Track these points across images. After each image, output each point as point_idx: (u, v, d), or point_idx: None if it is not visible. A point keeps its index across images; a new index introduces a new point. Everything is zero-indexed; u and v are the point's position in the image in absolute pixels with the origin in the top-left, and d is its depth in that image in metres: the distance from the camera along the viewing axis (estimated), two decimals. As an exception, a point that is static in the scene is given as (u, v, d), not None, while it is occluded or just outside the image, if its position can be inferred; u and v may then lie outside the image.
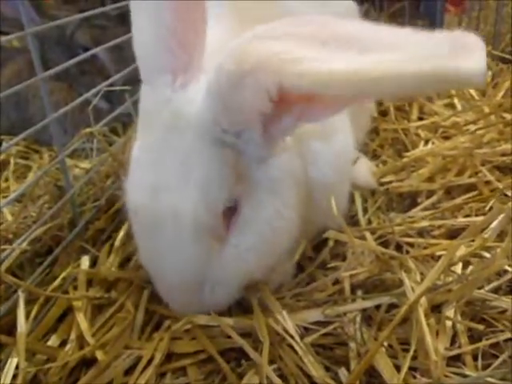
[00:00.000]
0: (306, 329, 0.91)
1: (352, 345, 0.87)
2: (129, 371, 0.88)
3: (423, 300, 0.89)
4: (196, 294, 0.89)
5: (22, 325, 0.91)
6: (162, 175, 0.83)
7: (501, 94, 1.93)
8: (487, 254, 1.03)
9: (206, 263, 0.86)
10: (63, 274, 1.06)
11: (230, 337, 0.89)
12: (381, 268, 1.02)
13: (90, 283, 1.08)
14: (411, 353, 0.82)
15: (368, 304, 0.94)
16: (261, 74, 0.70)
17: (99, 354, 0.90)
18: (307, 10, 1.18)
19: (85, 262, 1.11)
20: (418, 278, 0.97)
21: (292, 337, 0.86)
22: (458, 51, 0.67)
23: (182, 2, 0.79)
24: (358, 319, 0.90)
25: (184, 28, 0.80)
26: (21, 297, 0.95)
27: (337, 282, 1.03)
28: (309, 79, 0.67)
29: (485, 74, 0.66)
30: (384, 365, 0.82)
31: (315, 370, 0.82)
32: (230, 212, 0.85)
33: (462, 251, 1.02)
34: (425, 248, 1.10)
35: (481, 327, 0.88)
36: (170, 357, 0.90)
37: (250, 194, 0.85)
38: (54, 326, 0.99)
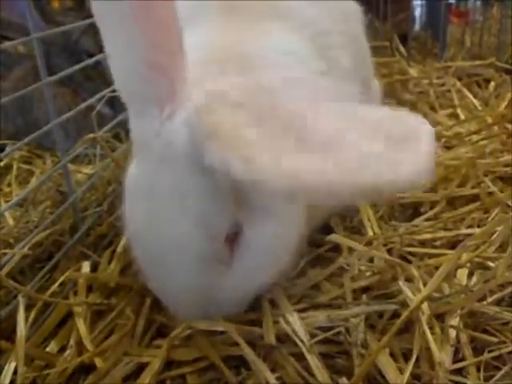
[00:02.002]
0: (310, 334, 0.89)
1: (355, 351, 0.86)
2: (128, 378, 0.88)
3: (425, 308, 0.89)
4: (204, 310, 0.89)
5: (21, 329, 0.91)
6: (159, 210, 0.81)
7: (504, 104, 1.94)
8: (491, 264, 1.03)
9: (213, 286, 0.86)
10: (63, 278, 1.05)
11: (231, 343, 0.88)
12: (384, 275, 1.02)
13: (90, 289, 1.07)
14: (413, 359, 0.82)
15: (371, 309, 0.94)
16: (213, 145, 0.68)
17: (98, 361, 0.89)
18: (311, 11, 1.16)
19: (85, 267, 1.10)
20: (421, 285, 0.96)
21: (302, 341, 0.85)
22: (404, 150, 0.62)
23: (152, 31, 0.74)
24: (362, 325, 0.90)
25: (161, 57, 0.76)
26: (21, 302, 0.94)
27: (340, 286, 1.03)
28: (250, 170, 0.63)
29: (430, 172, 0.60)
30: (387, 366, 0.82)
31: (323, 378, 0.81)
32: (233, 235, 0.84)
33: (462, 260, 1.01)
34: (429, 258, 1.10)
35: (486, 337, 0.88)
36: (169, 364, 0.90)
37: (250, 217, 0.84)
38: (54, 332, 0.99)
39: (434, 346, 0.84)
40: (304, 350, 0.84)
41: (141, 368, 0.89)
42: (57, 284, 1.04)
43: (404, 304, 0.92)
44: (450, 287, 0.97)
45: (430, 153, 0.61)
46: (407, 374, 0.80)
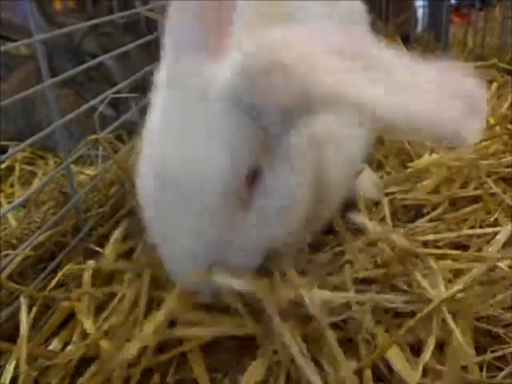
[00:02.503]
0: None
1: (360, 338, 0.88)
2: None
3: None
4: (217, 262, 0.87)
5: (24, 329, 0.91)
6: (187, 143, 0.83)
7: (506, 105, 1.93)
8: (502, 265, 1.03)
9: (232, 229, 0.85)
10: (64, 270, 1.07)
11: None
12: (393, 267, 1.03)
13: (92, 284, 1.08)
14: (429, 351, 0.83)
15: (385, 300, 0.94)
16: (290, 72, 0.71)
17: (103, 343, 0.90)
18: (319, 8, 1.18)
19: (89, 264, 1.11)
20: (441, 283, 0.97)
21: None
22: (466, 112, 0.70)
23: None
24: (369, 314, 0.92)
25: (220, 9, 0.83)
26: (23, 302, 0.95)
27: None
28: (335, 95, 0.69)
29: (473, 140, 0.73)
30: (397, 358, 0.83)
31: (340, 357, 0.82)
32: (252, 178, 0.85)
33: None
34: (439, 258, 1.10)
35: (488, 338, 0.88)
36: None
37: (271, 164, 0.86)
38: (56, 331, 0.99)
39: (461, 339, 0.84)
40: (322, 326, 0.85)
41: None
42: (58, 276, 1.05)
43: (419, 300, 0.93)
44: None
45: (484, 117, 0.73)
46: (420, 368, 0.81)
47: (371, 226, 1.07)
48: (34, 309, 0.99)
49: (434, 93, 0.72)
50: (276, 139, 0.86)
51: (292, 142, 0.89)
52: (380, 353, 0.84)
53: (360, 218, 1.11)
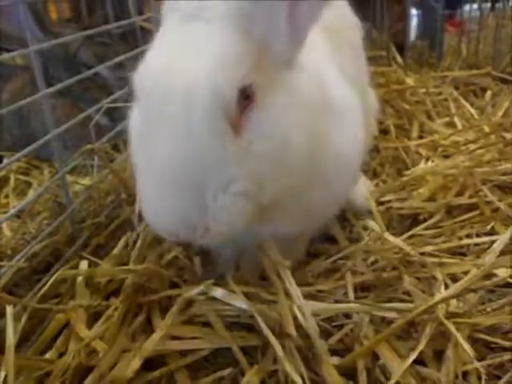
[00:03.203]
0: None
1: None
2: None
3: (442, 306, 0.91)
4: (196, 201, 0.77)
5: (10, 338, 0.90)
6: (177, 51, 0.81)
7: (500, 113, 1.94)
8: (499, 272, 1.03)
9: (217, 151, 0.77)
10: (56, 275, 1.05)
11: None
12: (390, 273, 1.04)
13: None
14: (417, 352, 0.84)
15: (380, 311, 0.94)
16: None
17: (99, 345, 0.90)
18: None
19: (83, 264, 1.11)
20: (443, 289, 0.98)
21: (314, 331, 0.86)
22: None
23: None
24: (367, 320, 0.92)
25: None
26: (8, 312, 0.94)
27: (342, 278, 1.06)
28: None
29: None
30: (387, 353, 0.84)
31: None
32: (245, 103, 0.80)
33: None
34: (423, 266, 1.10)
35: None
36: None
37: (268, 93, 0.82)
38: (51, 342, 0.98)
39: (463, 343, 0.85)
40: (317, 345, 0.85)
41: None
42: (51, 281, 1.04)
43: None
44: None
45: None
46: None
47: (370, 232, 1.09)
48: (24, 319, 0.98)
49: None
50: (277, 70, 0.84)
51: (299, 78, 0.87)
52: (370, 347, 0.84)
53: (369, 222, 1.12)
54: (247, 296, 0.91)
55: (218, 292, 0.90)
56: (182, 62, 0.79)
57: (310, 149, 0.89)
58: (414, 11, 3.11)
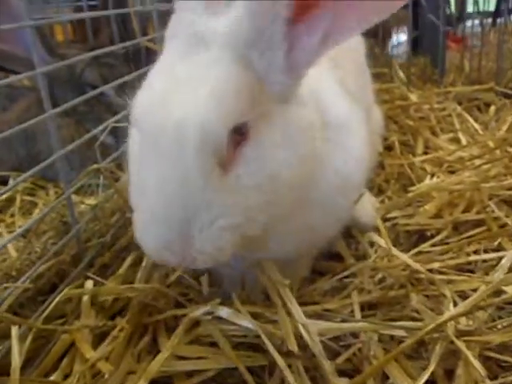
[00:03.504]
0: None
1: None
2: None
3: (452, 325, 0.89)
4: (183, 233, 0.78)
5: (16, 360, 0.89)
6: (173, 82, 0.80)
7: (504, 127, 1.94)
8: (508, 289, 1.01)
9: (204, 188, 0.77)
10: (61, 295, 1.04)
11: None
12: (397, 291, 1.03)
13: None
14: (428, 372, 0.83)
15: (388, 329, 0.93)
16: None
17: (104, 366, 0.89)
18: None
19: (89, 284, 1.11)
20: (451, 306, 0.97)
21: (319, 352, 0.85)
22: None
23: None
24: (375, 339, 0.91)
25: None
26: (13, 333, 0.93)
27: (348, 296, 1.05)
28: None
29: None
30: (397, 373, 0.83)
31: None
32: (237, 140, 0.80)
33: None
34: (431, 283, 1.09)
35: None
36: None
37: (261, 129, 0.82)
38: (57, 363, 0.97)
39: (474, 361, 0.83)
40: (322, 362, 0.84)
41: None
42: (56, 301, 1.03)
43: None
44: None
45: None
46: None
47: (376, 249, 1.08)
48: (29, 340, 0.96)
49: None
50: (274, 104, 0.83)
51: (294, 111, 0.86)
52: (379, 367, 0.83)
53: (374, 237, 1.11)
54: (253, 315, 0.91)
55: (224, 312, 0.89)
56: (177, 95, 0.79)
57: (305, 175, 0.89)
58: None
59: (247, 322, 0.89)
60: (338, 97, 1.06)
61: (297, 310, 0.90)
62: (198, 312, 0.92)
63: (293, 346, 0.85)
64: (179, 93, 0.79)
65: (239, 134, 0.80)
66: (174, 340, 0.90)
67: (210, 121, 0.76)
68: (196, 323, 0.94)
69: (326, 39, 0.82)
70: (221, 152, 0.78)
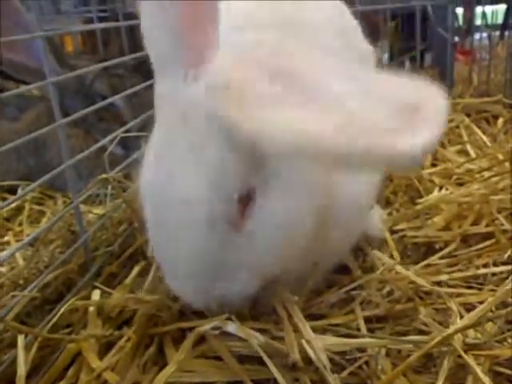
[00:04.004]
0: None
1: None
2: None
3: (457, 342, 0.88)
4: (209, 286, 0.85)
5: (21, 369, 0.89)
6: (174, 163, 0.81)
7: (513, 140, 1.94)
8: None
9: (221, 251, 0.82)
10: (67, 305, 1.05)
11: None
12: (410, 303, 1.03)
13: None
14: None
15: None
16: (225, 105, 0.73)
17: (110, 376, 0.89)
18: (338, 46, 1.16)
19: (95, 295, 1.11)
20: (458, 319, 0.96)
21: (324, 367, 0.85)
22: (409, 121, 0.62)
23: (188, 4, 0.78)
24: (383, 353, 0.90)
25: (194, 28, 0.80)
26: (19, 342, 0.93)
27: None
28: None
29: (420, 155, 0.60)
30: None
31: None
32: (246, 199, 0.81)
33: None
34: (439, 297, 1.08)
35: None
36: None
37: (266, 186, 0.82)
38: (63, 373, 0.97)
39: (482, 376, 0.82)
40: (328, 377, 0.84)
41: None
42: (62, 310, 1.03)
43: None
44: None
45: (436, 129, 0.60)
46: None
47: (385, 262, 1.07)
48: (34, 349, 0.97)
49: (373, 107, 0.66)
50: (271, 161, 0.82)
51: (289, 159, 0.84)
52: (387, 382, 0.82)
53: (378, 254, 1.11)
54: (259, 331, 0.90)
55: (232, 327, 0.89)
56: (178, 181, 0.81)
57: (315, 216, 0.89)
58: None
59: (253, 338, 0.88)
60: None
61: (304, 326, 0.90)
62: (205, 327, 0.92)
63: (297, 359, 0.85)
64: (179, 174, 0.80)
65: (247, 196, 0.82)
66: (180, 355, 0.90)
67: (214, 200, 0.79)
68: (203, 337, 0.94)
69: None
70: (231, 217, 0.81)
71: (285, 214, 0.84)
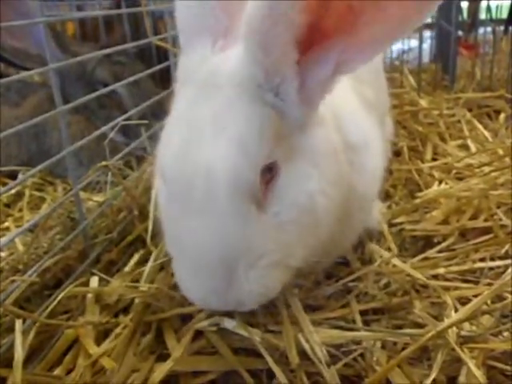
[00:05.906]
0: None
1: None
2: None
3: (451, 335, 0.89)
4: (228, 278, 0.78)
5: (19, 353, 0.90)
6: (195, 130, 0.79)
7: (514, 136, 1.93)
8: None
9: (243, 232, 0.77)
10: (65, 292, 1.05)
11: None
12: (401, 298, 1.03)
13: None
14: (430, 379, 0.83)
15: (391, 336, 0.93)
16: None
17: (107, 362, 0.89)
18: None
19: (94, 282, 1.11)
20: (453, 313, 0.97)
21: (320, 361, 0.85)
22: None
23: None
24: (378, 345, 0.91)
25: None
26: (17, 326, 0.94)
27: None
28: None
29: None
30: (400, 380, 0.83)
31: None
32: (268, 177, 0.80)
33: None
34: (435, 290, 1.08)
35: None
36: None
37: (289, 161, 0.81)
38: (61, 358, 0.98)
39: (474, 369, 0.83)
40: (324, 371, 0.84)
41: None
42: (60, 297, 1.04)
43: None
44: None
45: None
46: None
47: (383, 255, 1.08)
48: (32, 334, 0.97)
49: None
50: (296, 135, 0.82)
51: (316, 134, 0.85)
52: (382, 374, 0.83)
53: (375, 247, 1.11)
54: (257, 325, 0.91)
55: (230, 323, 0.89)
56: (200, 145, 0.78)
57: (339, 200, 0.88)
58: (427, 33, 3.13)
59: (251, 334, 0.89)
60: (357, 113, 1.05)
61: (304, 319, 0.91)
62: (203, 323, 0.93)
63: (294, 357, 0.85)
64: (202, 142, 0.78)
65: (269, 172, 0.80)
66: (178, 351, 0.91)
67: (239, 167, 0.76)
68: (200, 332, 0.95)
69: (338, 68, 0.81)
70: (254, 193, 0.78)
71: (307, 192, 0.82)
